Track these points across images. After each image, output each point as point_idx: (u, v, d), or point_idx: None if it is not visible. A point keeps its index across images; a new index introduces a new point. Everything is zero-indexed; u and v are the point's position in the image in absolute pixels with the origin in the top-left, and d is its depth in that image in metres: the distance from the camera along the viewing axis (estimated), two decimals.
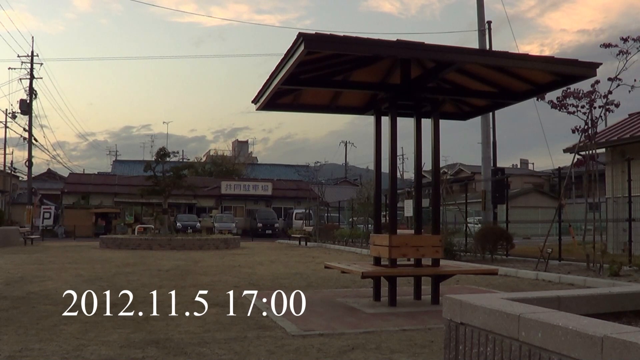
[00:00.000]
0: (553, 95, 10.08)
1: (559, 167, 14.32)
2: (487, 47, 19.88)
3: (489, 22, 20.52)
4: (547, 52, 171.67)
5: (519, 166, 63.69)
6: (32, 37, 54.97)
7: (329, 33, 6.09)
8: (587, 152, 10.92)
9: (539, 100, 10.00)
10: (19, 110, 38.06)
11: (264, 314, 6.35)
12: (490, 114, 19.29)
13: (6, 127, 41.61)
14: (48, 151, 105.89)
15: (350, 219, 27.27)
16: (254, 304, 7.04)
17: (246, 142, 77.27)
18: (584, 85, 10.05)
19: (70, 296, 7.71)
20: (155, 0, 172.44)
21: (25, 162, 38.32)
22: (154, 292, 8.17)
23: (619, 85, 10.09)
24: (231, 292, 8.23)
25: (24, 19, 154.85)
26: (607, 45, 10.00)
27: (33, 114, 38.39)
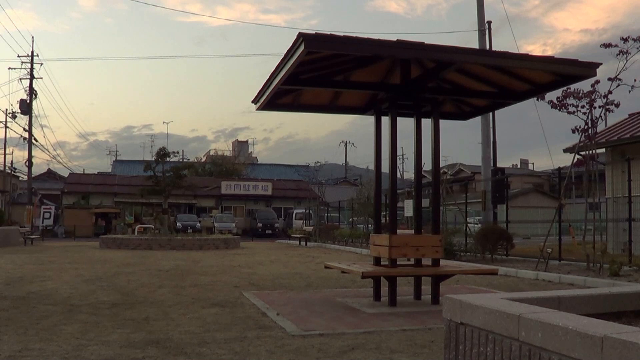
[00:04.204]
0: (553, 95, 10.09)
1: (559, 167, 14.33)
2: (487, 47, 19.89)
3: (489, 22, 20.55)
4: (549, 52, 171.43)
5: (519, 166, 63.69)
6: (32, 37, 55.13)
7: (329, 33, 6.10)
8: (587, 152, 10.92)
9: (539, 100, 9.99)
10: (19, 110, 38.06)
11: (264, 314, 6.35)
12: (490, 114, 19.29)
13: (6, 127, 41.64)
14: (48, 151, 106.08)
15: (350, 219, 27.27)
16: (254, 304, 7.04)
17: (246, 142, 77.38)
18: (584, 85, 10.06)
19: (70, 296, 7.71)
20: (160, 1, 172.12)
21: (25, 162, 38.35)
22: (154, 292, 8.17)
23: (619, 85, 10.09)
24: (231, 292, 8.23)
25: (28, 18, 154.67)
26: (607, 45, 10.00)
27: (33, 114, 38.44)
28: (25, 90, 38.58)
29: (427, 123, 7.53)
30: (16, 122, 39.58)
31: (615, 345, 1.80)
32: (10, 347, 4.59)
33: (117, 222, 36.59)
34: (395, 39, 6.17)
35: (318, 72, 7.39)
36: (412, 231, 9.70)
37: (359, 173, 64.97)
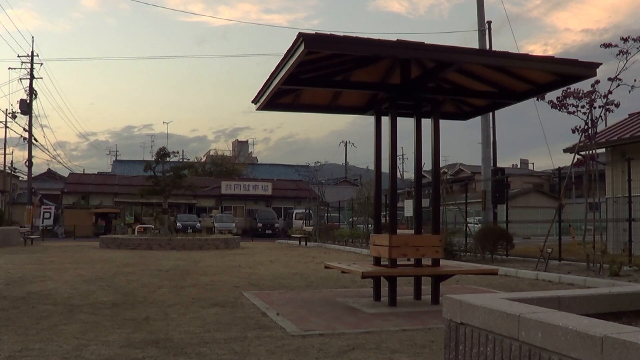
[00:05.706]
0: (553, 95, 10.09)
1: (559, 167, 14.33)
2: (488, 47, 19.89)
3: (489, 22, 20.57)
4: (550, 52, 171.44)
5: (519, 166, 63.70)
6: (32, 37, 55.13)
7: (329, 33, 6.10)
8: (587, 152, 10.93)
9: (539, 100, 9.99)
10: (19, 110, 38.07)
11: (264, 313, 6.35)
12: (490, 114, 19.29)
13: (6, 127, 41.63)
14: (48, 151, 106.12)
15: (350, 219, 27.27)
16: (254, 304, 7.04)
17: (246, 142, 77.38)
18: (584, 85, 10.07)
19: (70, 296, 7.71)
20: (162, 1, 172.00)
21: (25, 162, 38.35)
22: (154, 292, 8.17)
23: (619, 85, 10.10)
24: (231, 292, 8.23)
25: (30, 18, 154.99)
26: (607, 45, 10.00)
27: (33, 114, 38.45)
28: (25, 90, 38.61)
29: (427, 123, 7.53)
30: (16, 122, 39.65)
31: (615, 345, 1.80)
32: (10, 347, 4.59)
33: (117, 222, 36.59)
34: (395, 39, 6.17)
35: (318, 72, 7.39)
36: (412, 231, 9.71)
37: (359, 173, 64.98)
